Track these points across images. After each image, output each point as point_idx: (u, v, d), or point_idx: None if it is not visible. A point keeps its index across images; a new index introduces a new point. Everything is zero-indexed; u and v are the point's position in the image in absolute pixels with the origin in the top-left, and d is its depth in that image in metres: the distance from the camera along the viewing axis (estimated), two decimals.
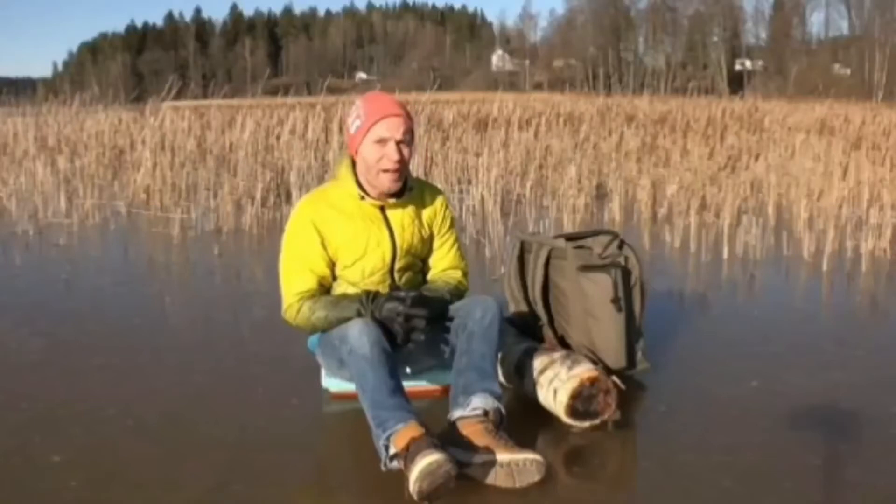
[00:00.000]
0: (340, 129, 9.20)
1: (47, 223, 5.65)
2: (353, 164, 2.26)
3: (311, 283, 2.22)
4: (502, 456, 1.93)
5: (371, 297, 2.13)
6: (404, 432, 1.88)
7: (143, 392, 2.58)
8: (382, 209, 2.26)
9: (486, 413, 2.03)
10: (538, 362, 2.38)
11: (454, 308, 2.22)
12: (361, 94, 2.34)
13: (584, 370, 2.27)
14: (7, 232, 5.37)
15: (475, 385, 2.07)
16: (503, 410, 2.08)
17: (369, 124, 2.15)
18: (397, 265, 2.28)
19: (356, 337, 2.04)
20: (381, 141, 2.15)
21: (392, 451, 1.88)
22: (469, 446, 1.96)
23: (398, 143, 2.16)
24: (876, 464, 2.09)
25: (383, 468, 1.91)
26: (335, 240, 2.22)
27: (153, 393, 2.58)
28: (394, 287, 2.27)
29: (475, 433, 1.98)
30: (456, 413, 2.05)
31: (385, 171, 2.16)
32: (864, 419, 2.38)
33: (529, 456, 1.94)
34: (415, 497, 1.81)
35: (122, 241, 5.33)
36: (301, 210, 2.27)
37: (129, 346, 3.05)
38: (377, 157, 2.15)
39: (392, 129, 2.15)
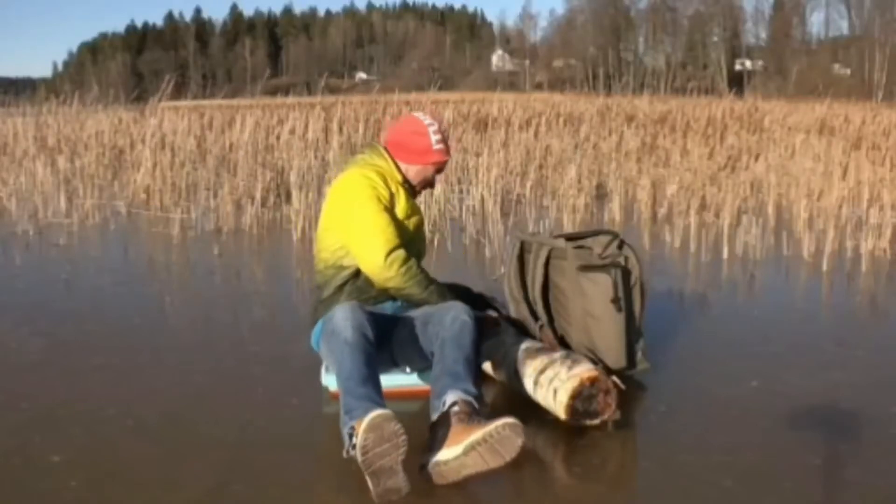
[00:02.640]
0: (341, 129, 9.21)
1: (47, 223, 5.65)
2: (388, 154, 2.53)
3: (397, 232, 2.39)
4: (476, 435, 1.90)
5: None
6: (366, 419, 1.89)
7: (143, 392, 2.58)
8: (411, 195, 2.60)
9: (455, 404, 2.01)
10: (538, 362, 2.38)
11: (429, 314, 2.29)
12: (419, 110, 2.69)
13: (585, 370, 2.27)
14: (7, 232, 5.37)
15: (448, 388, 2.07)
16: (476, 403, 2.04)
17: (446, 158, 2.54)
18: (419, 234, 2.58)
19: (340, 320, 2.10)
20: (437, 171, 2.56)
21: (354, 439, 1.89)
22: (447, 441, 1.94)
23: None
24: (876, 464, 2.09)
25: (345, 455, 1.89)
26: (393, 202, 2.45)
27: (153, 393, 2.58)
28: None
29: (449, 428, 1.96)
30: (433, 416, 2.05)
31: (423, 187, 2.59)
32: (864, 419, 2.38)
33: (500, 421, 1.91)
34: (359, 455, 1.82)
35: (122, 241, 5.34)
36: (365, 174, 2.44)
37: (129, 346, 3.05)
38: (432, 179, 2.58)
39: (445, 166, 2.61)
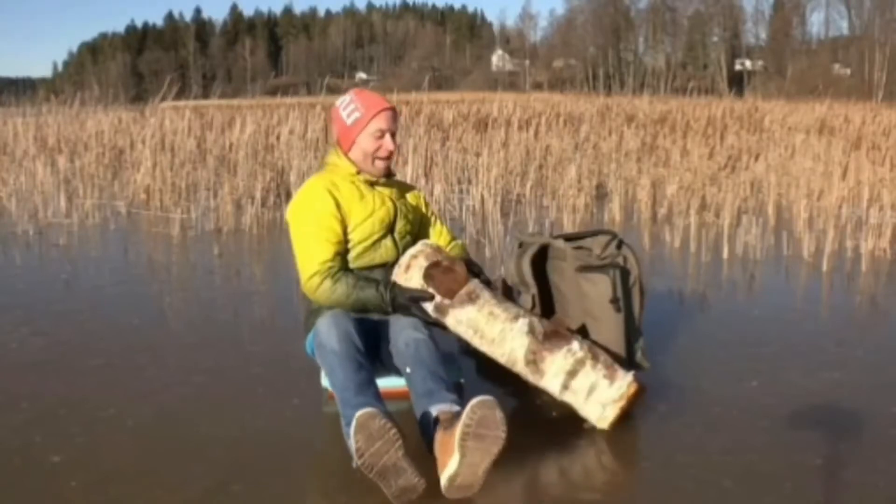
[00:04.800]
0: None
1: (47, 223, 5.65)
2: (340, 150, 2.45)
3: (329, 252, 2.31)
4: (458, 432, 1.83)
5: (389, 285, 2.27)
6: None
7: (144, 392, 2.58)
8: (373, 185, 2.47)
9: (436, 420, 1.98)
10: (561, 360, 2.23)
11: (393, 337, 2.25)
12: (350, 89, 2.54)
13: (627, 383, 2.23)
14: (7, 232, 5.37)
15: (426, 408, 2.03)
16: (454, 407, 1.99)
17: (369, 117, 2.38)
18: (398, 226, 2.46)
19: (325, 331, 2.09)
20: (380, 133, 2.39)
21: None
22: (445, 455, 1.89)
23: (392, 133, 2.42)
24: (876, 464, 2.09)
25: (354, 465, 1.87)
26: (346, 203, 2.37)
27: (154, 393, 2.58)
28: (396, 246, 2.43)
29: (439, 444, 1.93)
30: (428, 444, 2.00)
31: (381, 158, 2.42)
32: (864, 419, 2.38)
33: (468, 408, 1.83)
34: (357, 461, 1.79)
35: (122, 241, 5.33)
36: (311, 184, 2.42)
37: (129, 346, 3.05)
38: (375, 147, 2.40)
39: (388, 121, 2.41)
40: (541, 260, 2.65)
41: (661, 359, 2.77)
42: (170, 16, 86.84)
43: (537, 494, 1.97)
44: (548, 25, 78.30)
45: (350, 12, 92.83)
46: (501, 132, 9.91)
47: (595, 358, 2.26)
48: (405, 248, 2.42)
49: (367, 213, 2.39)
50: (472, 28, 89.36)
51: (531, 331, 2.26)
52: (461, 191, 6.39)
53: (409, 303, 2.23)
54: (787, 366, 2.84)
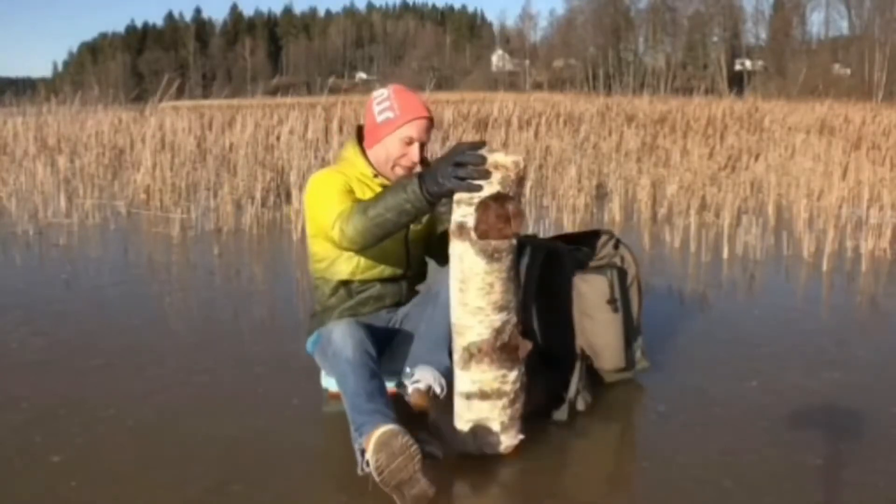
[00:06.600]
0: (341, 129, 9.21)
1: (47, 223, 5.65)
2: (360, 142, 2.31)
3: (346, 204, 2.10)
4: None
5: (418, 174, 1.97)
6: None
7: (144, 392, 2.58)
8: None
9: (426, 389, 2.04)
10: (489, 377, 2.05)
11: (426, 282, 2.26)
12: (385, 84, 2.36)
13: (504, 447, 2.11)
14: (7, 232, 5.37)
15: (423, 356, 2.08)
16: (441, 386, 2.06)
17: (402, 122, 2.20)
18: (410, 233, 2.31)
19: (339, 339, 2.07)
20: (409, 141, 2.20)
21: (367, 456, 1.86)
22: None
23: (422, 144, 2.23)
24: (876, 464, 2.09)
25: (360, 472, 1.88)
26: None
27: (153, 393, 2.58)
28: (408, 253, 2.33)
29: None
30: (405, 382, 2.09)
31: (403, 167, 2.24)
32: (864, 419, 2.38)
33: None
34: (376, 476, 1.78)
35: (122, 241, 5.33)
36: (326, 172, 2.29)
37: (129, 346, 3.05)
38: (400, 153, 2.21)
39: (421, 131, 2.22)
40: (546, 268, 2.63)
41: (660, 359, 2.77)
42: (170, 16, 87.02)
43: (537, 495, 1.96)
44: (548, 25, 78.54)
45: (350, 12, 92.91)
46: (501, 132, 9.92)
47: (512, 403, 2.06)
48: (418, 260, 2.32)
49: None
50: (472, 28, 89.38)
51: (499, 331, 2.02)
52: None
53: (451, 175, 1.88)
54: (787, 366, 2.84)
